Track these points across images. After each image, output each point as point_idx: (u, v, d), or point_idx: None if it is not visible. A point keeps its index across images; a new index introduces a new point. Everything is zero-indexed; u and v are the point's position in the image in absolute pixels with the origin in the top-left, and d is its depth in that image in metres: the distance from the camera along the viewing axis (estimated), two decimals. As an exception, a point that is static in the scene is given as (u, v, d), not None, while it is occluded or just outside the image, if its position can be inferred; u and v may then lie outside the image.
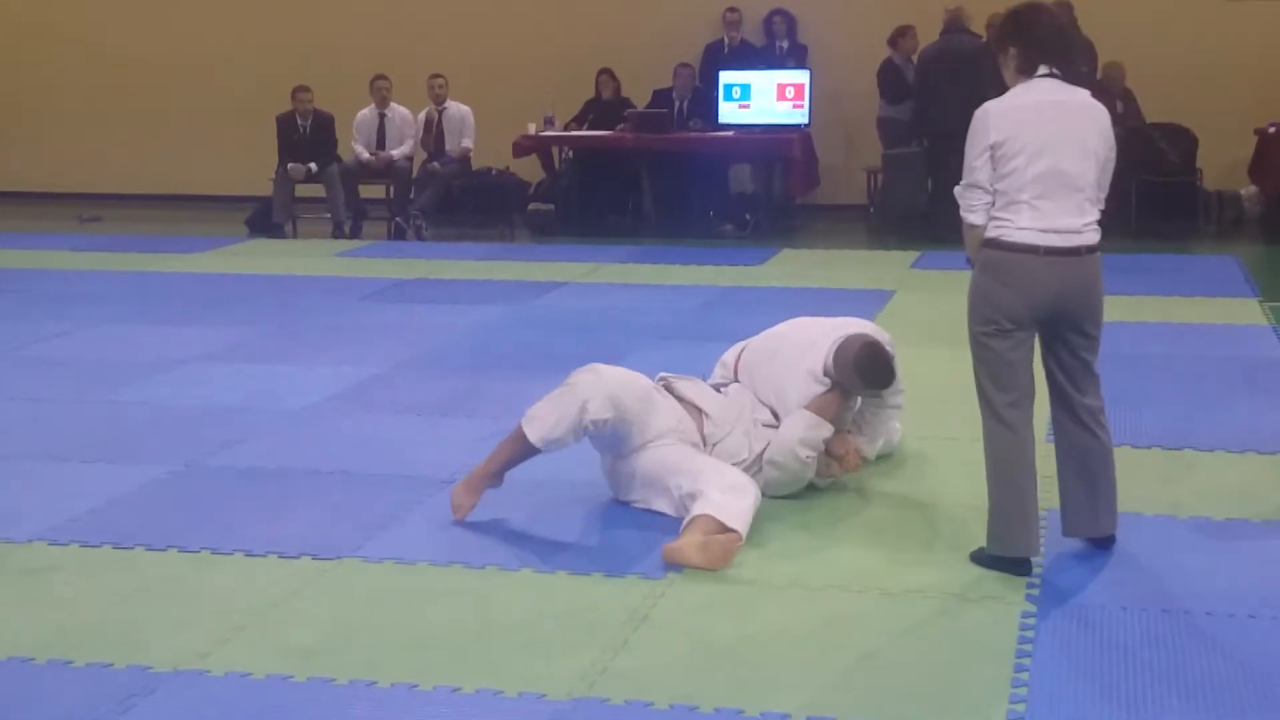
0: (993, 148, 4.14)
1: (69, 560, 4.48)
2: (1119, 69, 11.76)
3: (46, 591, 4.23)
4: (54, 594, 4.21)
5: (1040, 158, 4.11)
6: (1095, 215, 4.19)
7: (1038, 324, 4.18)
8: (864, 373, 4.90)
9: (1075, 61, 4.19)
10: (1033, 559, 4.23)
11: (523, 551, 4.49)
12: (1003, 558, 4.22)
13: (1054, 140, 4.12)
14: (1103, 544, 4.38)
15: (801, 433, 4.82)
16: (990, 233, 4.18)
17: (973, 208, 4.21)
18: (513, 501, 4.92)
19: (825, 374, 4.93)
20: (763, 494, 4.69)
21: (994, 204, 4.17)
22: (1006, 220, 4.15)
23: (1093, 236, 4.17)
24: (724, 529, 4.39)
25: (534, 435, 4.66)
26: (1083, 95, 4.22)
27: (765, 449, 4.88)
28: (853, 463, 4.94)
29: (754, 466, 4.88)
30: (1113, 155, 4.25)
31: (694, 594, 4.16)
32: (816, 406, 4.89)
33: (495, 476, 4.80)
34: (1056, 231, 4.11)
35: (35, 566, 4.43)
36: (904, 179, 11.60)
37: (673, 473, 4.68)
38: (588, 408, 4.60)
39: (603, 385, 4.66)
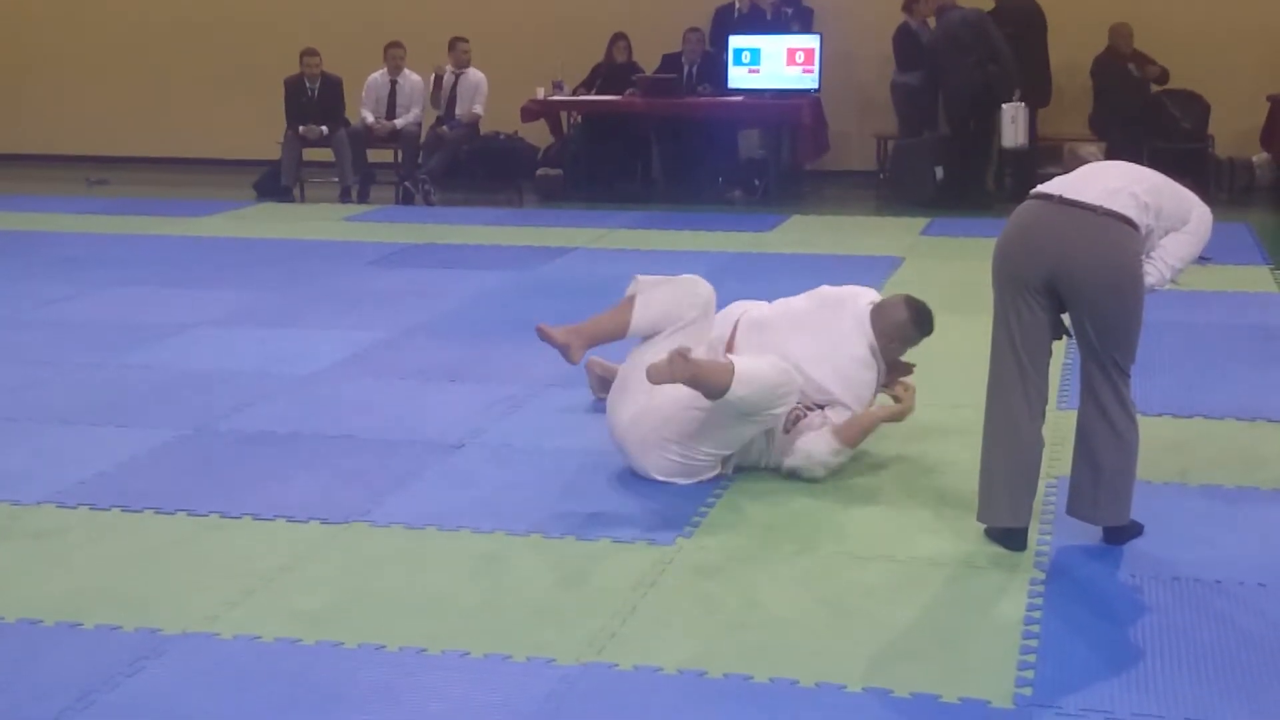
0: None
1: (78, 523, 4.49)
2: (1125, 28, 11.66)
3: (56, 554, 4.25)
4: (63, 557, 4.23)
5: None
6: (1129, 203, 4.01)
7: (1046, 287, 4.02)
8: (920, 324, 5.09)
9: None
10: (1028, 530, 4.17)
11: (531, 517, 4.48)
12: (996, 529, 4.19)
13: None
14: (1108, 535, 4.21)
15: (828, 457, 4.82)
16: None
17: None
18: (521, 467, 4.94)
19: (873, 352, 4.97)
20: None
21: None
22: None
23: (1116, 203, 3.98)
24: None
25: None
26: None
27: (784, 440, 4.88)
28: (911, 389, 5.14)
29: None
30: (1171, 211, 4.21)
31: (702, 560, 4.16)
32: (853, 420, 4.88)
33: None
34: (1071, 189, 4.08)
35: (44, 529, 4.44)
36: (915, 168, 11.49)
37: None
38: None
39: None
